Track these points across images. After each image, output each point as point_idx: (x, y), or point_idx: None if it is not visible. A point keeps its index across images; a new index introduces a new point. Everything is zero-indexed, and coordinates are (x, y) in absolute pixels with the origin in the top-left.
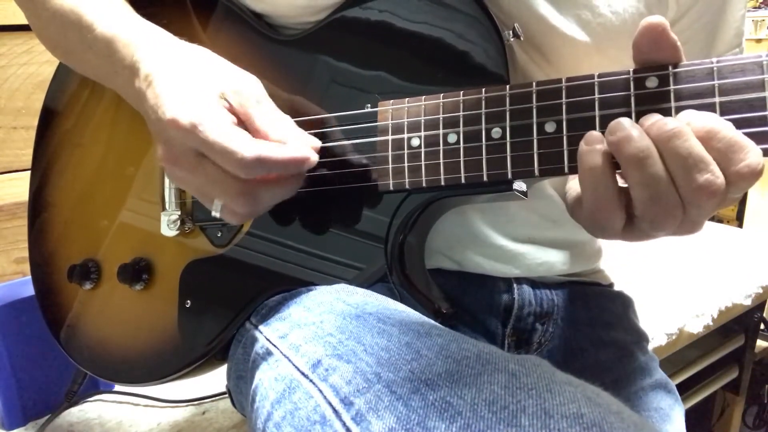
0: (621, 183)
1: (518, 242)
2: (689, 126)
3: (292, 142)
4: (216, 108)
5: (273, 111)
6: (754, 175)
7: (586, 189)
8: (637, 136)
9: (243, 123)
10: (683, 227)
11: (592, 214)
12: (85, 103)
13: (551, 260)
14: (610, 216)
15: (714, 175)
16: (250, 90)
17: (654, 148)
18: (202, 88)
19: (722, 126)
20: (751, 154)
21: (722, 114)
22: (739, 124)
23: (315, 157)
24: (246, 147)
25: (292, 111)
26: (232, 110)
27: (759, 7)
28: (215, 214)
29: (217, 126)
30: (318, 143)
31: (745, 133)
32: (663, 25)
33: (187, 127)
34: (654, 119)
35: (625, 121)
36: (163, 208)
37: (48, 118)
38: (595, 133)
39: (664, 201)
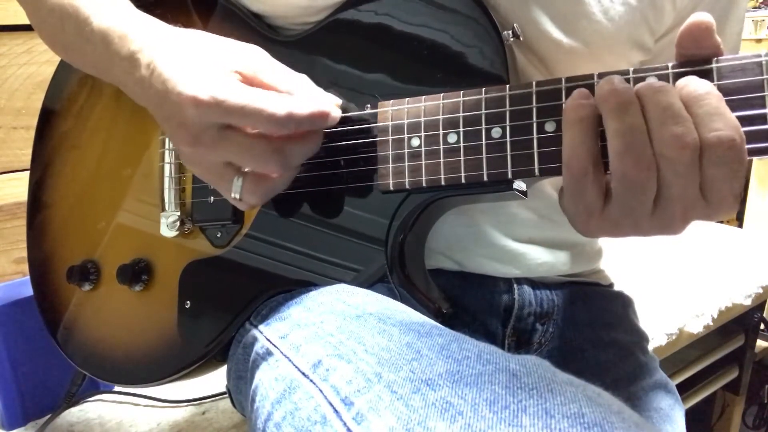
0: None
1: (519, 242)
2: (685, 88)
3: (317, 98)
4: (230, 78)
5: (288, 72)
6: (722, 146)
7: (567, 146)
8: (624, 89)
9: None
10: (660, 214)
11: (570, 182)
12: (84, 104)
13: (551, 260)
14: (585, 184)
15: (688, 129)
16: (256, 58)
17: (636, 101)
18: (209, 63)
19: (712, 95)
20: (727, 127)
21: None
22: (738, 122)
23: (338, 112)
24: (276, 104)
25: None
26: (246, 80)
27: (759, 7)
28: (235, 195)
29: (239, 91)
30: (338, 100)
31: (745, 132)
32: (708, 25)
33: (209, 101)
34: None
35: (615, 78)
36: (163, 209)
37: (47, 119)
38: (582, 90)
39: (637, 152)
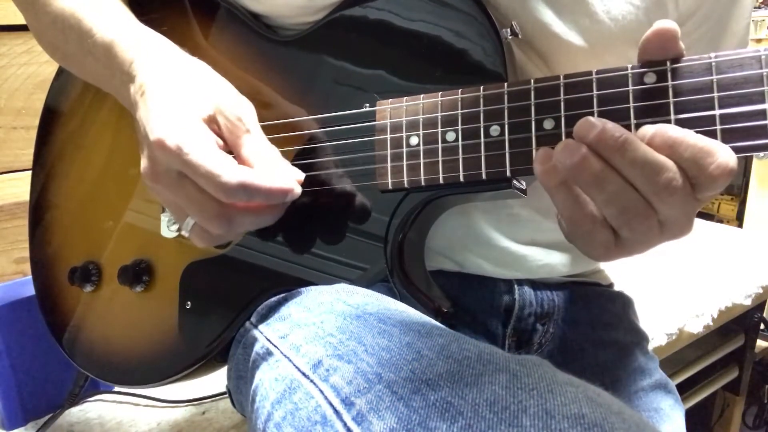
0: None
1: (520, 244)
2: (654, 138)
3: (276, 173)
4: (203, 131)
5: (261, 140)
6: (726, 173)
7: (562, 206)
8: (591, 162)
9: (229, 148)
10: (669, 230)
11: (578, 232)
12: (89, 105)
13: (553, 262)
14: (593, 230)
15: (672, 174)
16: (241, 115)
17: (608, 168)
18: (191, 109)
19: (684, 134)
20: (719, 155)
21: (721, 108)
22: (738, 118)
23: (298, 189)
24: (230, 172)
25: (290, 111)
26: (220, 134)
27: (759, 7)
28: (184, 232)
29: (202, 149)
30: (301, 176)
31: (745, 128)
32: (674, 32)
33: (173, 149)
34: (597, 129)
35: (572, 145)
36: (163, 210)
37: (50, 120)
38: (545, 152)
39: (633, 209)
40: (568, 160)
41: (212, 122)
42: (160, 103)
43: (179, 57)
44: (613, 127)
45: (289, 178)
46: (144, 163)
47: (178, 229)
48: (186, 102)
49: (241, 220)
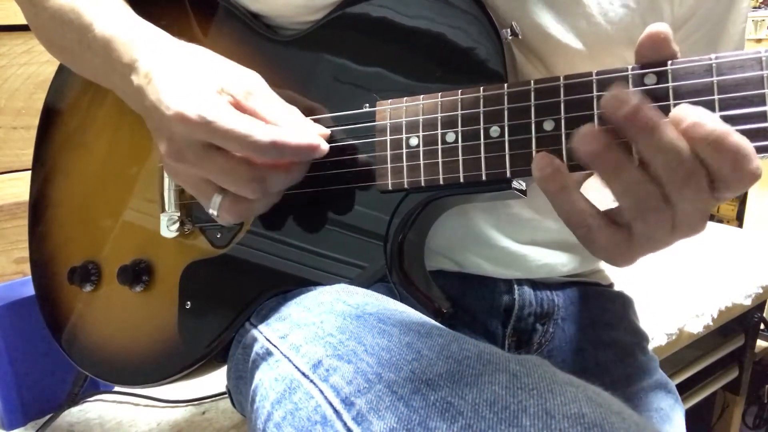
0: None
1: (520, 243)
2: (699, 129)
3: (302, 130)
4: (220, 99)
5: (278, 103)
6: (755, 178)
7: (560, 210)
8: (612, 151)
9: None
10: (680, 228)
11: (579, 235)
12: (89, 103)
13: (553, 262)
14: (589, 233)
15: (702, 179)
16: (252, 84)
17: (631, 157)
18: (203, 83)
19: (728, 130)
20: (754, 158)
21: (721, 110)
22: (738, 120)
23: (325, 146)
24: (261, 131)
25: None
26: (236, 104)
27: (759, 7)
28: (212, 211)
29: (227, 114)
30: (327, 131)
31: (745, 129)
32: (666, 34)
33: (195, 120)
34: (631, 103)
35: (593, 132)
36: (163, 210)
37: (50, 118)
38: (544, 157)
39: (649, 201)
40: (588, 146)
41: (226, 95)
42: (170, 82)
43: (179, 43)
44: (649, 108)
45: (314, 135)
46: (163, 146)
47: (204, 213)
48: (195, 78)
49: (274, 180)
